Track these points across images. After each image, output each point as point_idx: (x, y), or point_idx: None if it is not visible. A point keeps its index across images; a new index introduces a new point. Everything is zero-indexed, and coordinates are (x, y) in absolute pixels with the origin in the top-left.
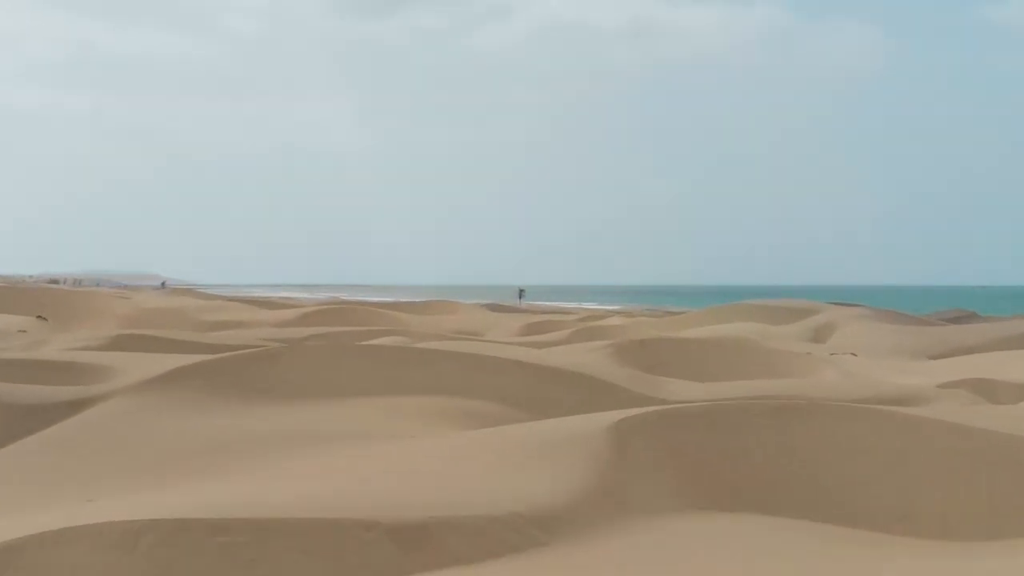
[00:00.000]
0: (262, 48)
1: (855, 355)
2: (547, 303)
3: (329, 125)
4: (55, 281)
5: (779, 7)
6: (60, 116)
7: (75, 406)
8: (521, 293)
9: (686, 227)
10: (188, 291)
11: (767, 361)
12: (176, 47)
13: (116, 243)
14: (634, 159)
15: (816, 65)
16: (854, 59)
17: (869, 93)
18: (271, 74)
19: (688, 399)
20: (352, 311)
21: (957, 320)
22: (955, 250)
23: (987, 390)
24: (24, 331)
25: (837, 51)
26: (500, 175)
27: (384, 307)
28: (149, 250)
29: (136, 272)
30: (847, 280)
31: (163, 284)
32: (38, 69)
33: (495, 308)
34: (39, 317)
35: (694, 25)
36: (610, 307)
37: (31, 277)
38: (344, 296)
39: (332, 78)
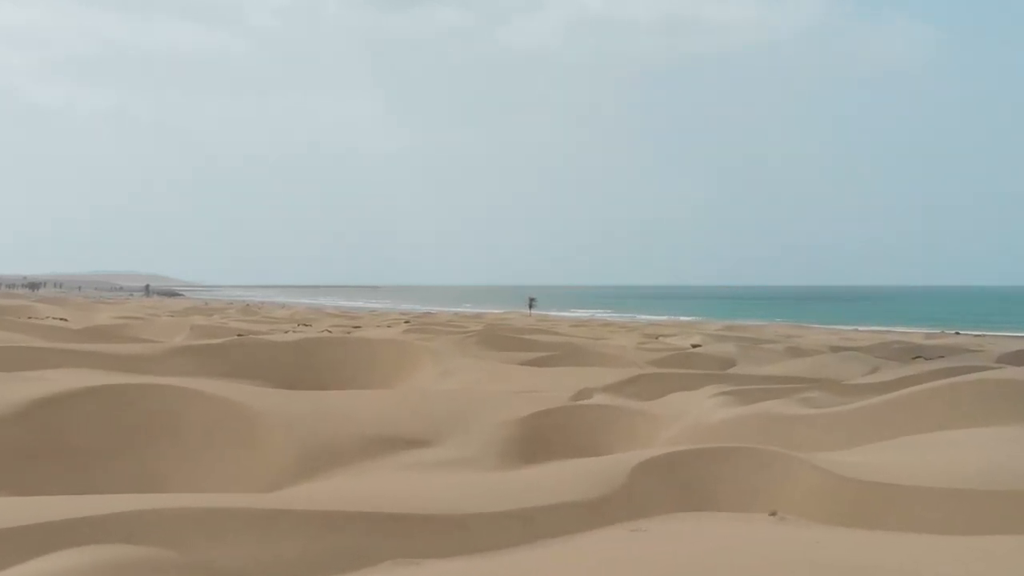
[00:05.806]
0: (285, 44)
1: None
2: (560, 314)
3: (352, 123)
4: (34, 285)
5: (820, 2)
6: (81, 113)
7: None
8: (532, 302)
9: (709, 227)
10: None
11: None
12: (200, 43)
13: (123, 244)
14: (663, 158)
15: (858, 62)
16: (900, 57)
17: (914, 91)
18: (294, 71)
19: None
20: (138, 401)
21: None
22: (1007, 252)
23: None
24: None
25: (883, 48)
26: (521, 176)
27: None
28: (158, 251)
29: (135, 273)
30: (877, 281)
31: (147, 287)
32: (62, 65)
33: (493, 341)
34: None
35: (731, 20)
36: (640, 317)
37: (25, 278)
38: (331, 304)
39: (355, 75)
